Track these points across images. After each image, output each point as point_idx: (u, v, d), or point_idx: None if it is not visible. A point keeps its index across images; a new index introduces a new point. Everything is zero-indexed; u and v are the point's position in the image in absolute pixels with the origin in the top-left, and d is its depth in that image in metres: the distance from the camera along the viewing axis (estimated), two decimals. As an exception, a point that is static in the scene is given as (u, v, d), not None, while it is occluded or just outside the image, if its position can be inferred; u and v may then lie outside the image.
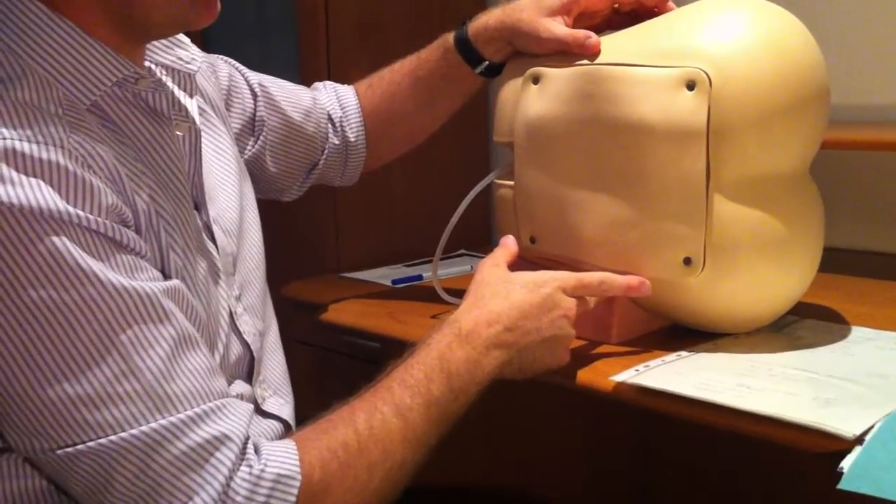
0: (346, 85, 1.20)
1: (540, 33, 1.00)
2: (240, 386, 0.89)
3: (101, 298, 0.69)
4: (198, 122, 0.88)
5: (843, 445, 0.69)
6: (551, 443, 1.49)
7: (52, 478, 0.74)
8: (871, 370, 0.84)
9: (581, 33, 0.97)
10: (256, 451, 0.74)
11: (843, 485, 0.66)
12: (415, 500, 0.84)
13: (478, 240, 1.77)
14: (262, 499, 0.71)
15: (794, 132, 0.89)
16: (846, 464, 0.68)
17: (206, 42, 1.58)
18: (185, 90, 0.88)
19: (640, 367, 0.87)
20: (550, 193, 0.99)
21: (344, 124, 1.17)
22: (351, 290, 1.44)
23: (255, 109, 1.11)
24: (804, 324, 0.99)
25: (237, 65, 1.12)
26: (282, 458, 0.73)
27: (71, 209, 0.69)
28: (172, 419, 0.70)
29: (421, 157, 1.39)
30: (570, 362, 0.89)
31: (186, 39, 0.92)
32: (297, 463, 0.73)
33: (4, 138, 0.68)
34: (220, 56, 1.11)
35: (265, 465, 0.72)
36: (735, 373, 0.84)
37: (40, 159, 0.68)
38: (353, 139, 1.17)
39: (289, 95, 1.14)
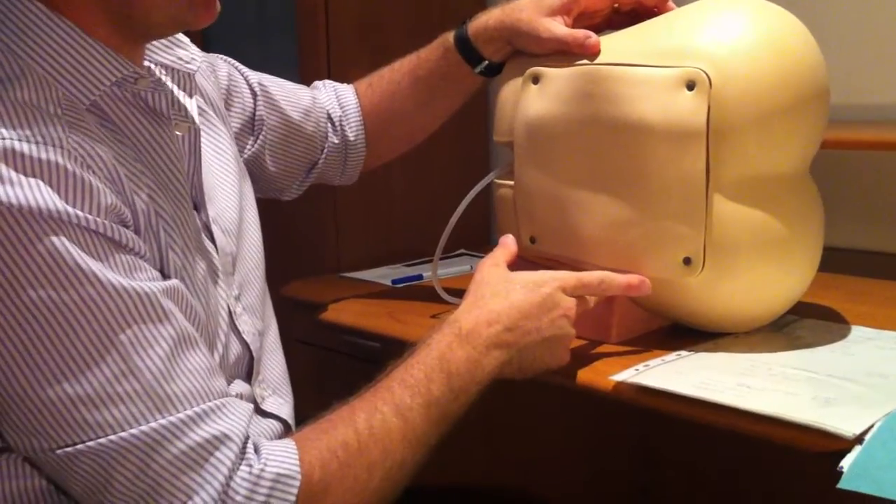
0: (345, 84, 1.20)
1: (540, 33, 1.00)
2: (239, 385, 0.89)
3: (100, 298, 0.69)
4: (197, 121, 0.88)
5: (842, 445, 0.69)
6: (551, 443, 1.49)
7: (51, 477, 0.74)
8: (870, 370, 0.84)
9: (581, 33, 0.97)
10: (256, 450, 0.74)
11: (843, 484, 0.66)
12: (415, 500, 0.84)
13: (478, 240, 1.77)
14: (261, 498, 0.71)
15: (794, 132, 0.89)
16: (846, 463, 0.68)
17: (206, 42, 1.58)
18: (184, 90, 0.88)
19: (640, 366, 0.87)
20: (550, 193, 0.99)
21: (343, 123, 1.17)
22: (351, 289, 1.44)
23: (254, 109, 1.11)
24: (804, 323, 0.99)
25: (237, 64, 1.12)
26: (281, 457, 0.73)
27: (70, 209, 0.69)
28: (172, 419, 0.70)
29: (421, 157, 1.39)
30: (570, 362, 0.89)
31: (186, 39, 0.92)
32: (297, 462, 0.73)
33: (3, 138, 0.68)
34: (220, 56, 1.11)
35: (265, 464, 0.72)
36: (735, 372, 0.84)
37: (39, 159, 0.68)
38: (352, 138, 1.17)
39: (288, 95, 1.14)
